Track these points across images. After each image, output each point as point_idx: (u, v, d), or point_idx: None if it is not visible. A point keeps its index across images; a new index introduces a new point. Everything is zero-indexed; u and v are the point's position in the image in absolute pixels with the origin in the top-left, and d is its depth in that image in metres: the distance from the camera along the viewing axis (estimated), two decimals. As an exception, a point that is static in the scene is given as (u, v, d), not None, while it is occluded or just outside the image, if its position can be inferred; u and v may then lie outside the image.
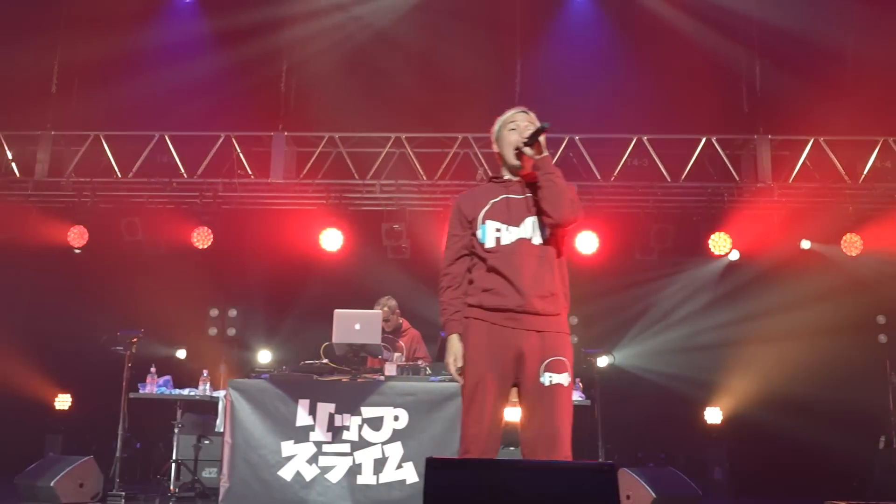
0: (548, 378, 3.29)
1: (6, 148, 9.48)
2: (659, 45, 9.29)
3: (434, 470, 2.34)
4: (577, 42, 9.64)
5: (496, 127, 3.67)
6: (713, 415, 9.00)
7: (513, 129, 3.56)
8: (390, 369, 6.11)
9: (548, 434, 3.25)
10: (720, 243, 8.91)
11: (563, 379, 3.32)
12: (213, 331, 9.30)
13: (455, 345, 3.46)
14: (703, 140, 9.13)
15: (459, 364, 3.42)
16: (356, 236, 9.40)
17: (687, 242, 9.15)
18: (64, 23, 9.51)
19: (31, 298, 9.35)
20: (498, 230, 3.44)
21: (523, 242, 3.41)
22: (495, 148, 3.68)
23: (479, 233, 3.46)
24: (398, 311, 7.23)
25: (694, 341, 8.96)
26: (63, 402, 8.98)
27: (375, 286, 9.41)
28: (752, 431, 8.59)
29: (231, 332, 9.31)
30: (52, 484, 5.88)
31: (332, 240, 9.20)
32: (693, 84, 8.89)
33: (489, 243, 3.43)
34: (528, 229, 3.43)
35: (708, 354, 8.94)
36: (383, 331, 6.77)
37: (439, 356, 6.32)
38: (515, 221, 3.45)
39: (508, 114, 3.65)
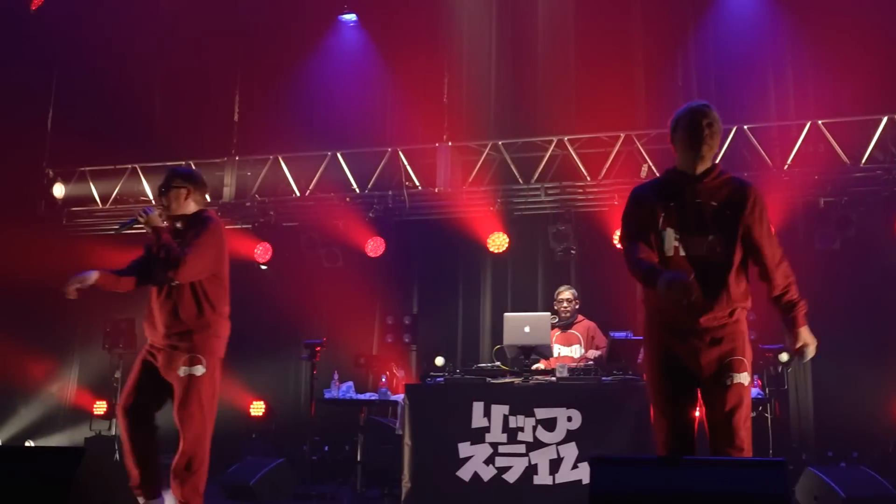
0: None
1: (196, 175, 10.26)
2: (825, 24, 8.82)
3: (599, 468, 2.39)
4: (737, 28, 9.32)
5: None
6: (911, 411, 8.41)
7: None
8: (561, 371, 6.17)
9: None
10: (911, 228, 8.34)
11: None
12: (389, 338, 9.65)
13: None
14: (885, 119, 8.58)
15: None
16: (522, 240, 9.51)
17: (871, 229, 8.62)
18: (242, 56, 10.23)
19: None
20: None
21: None
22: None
23: None
24: (578, 300, 7.26)
25: (887, 332, 8.42)
26: (258, 408, 9.60)
27: (545, 288, 9.52)
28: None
29: (406, 338, 9.63)
30: (251, 484, 6.35)
31: (498, 243, 9.35)
32: (868, 61, 8.37)
33: None
34: None
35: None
36: (560, 318, 6.85)
37: (609, 358, 6.31)
38: None
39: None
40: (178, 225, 4.38)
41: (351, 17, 10.18)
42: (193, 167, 10.22)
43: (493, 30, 10.08)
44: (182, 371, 4.26)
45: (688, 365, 3.39)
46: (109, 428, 10.03)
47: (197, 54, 10.17)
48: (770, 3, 9.44)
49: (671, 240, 3.37)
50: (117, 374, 10.20)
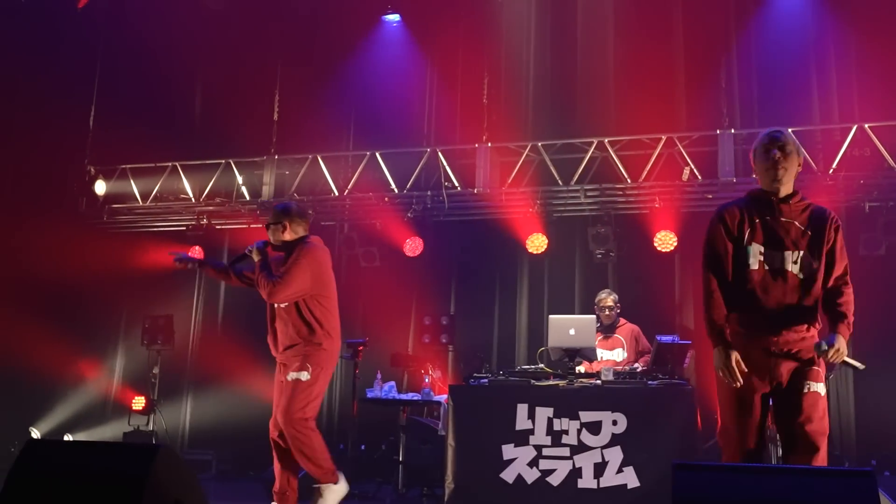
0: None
1: (237, 173, 10.33)
2: (871, 27, 8.72)
3: (682, 474, 2.36)
4: (781, 30, 9.23)
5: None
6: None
7: None
8: (607, 374, 6.13)
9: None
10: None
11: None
12: (426, 338, 9.65)
13: None
14: (934, 123, 8.45)
15: None
16: (561, 241, 9.48)
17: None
18: (282, 55, 10.28)
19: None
20: None
21: None
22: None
23: None
24: (619, 305, 7.23)
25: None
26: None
27: (583, 290, 9.48)
28: None
29: (443, 338, 9.62)
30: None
31: (537, 244, 9.33)
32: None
33: None
34: None
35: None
36: (601, 324, 6.83)
37: (655, 362, 6.27)
38: None
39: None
40: (283, 253, 5.03)
41: (394, 17, 10.21)
42: (234, 166, 10.35)
43: (532, 30, 10.06)
44: (290, 376, 4.84)
45: (764, 376, 3.56)
46: (148, 423, 10.10)
47: (238, 53, 10.25)
48: (815, 5, 9.33)
49: (756, 255, 3.63)
50: (155, 370, 10.29)
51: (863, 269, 8.52)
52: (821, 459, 3.38)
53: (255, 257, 4.98)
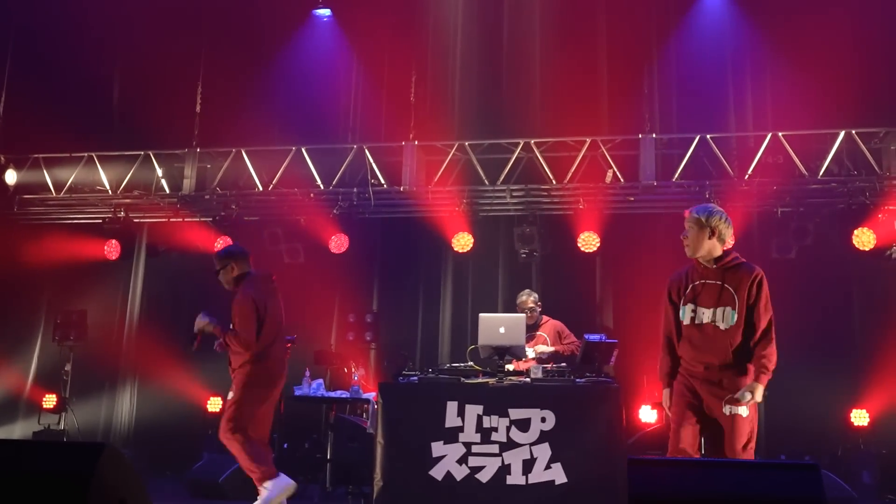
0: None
1: (156, 165, 10.06)
2: (789, 39, 9.07)
3: (636, 469, 2.42)
4: (702, 41, 9.53)
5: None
6: (860, 417, 8.70)
7: None
8: (536, 372, 6.21)
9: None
10: (864, 239, 8.62)
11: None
12: (350, 336, 9.60)
13: None
14: (843, 133, 8.84)
15: None
16: (485, 241, 9.56)
17: (825, 240, 8.90)
18: (207, 44, 10.05)
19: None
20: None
21: None
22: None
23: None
24: (539, 304, 7.34)
25: (839, 340, 8.71)
26: (215, 404, 9.43)
27: (506, 289, 9.59)
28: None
29: (367, 336, 9.59)
30: (220, 481, 6.25)
31: (462, 243, 9.39)
32: (828, 75, 8.62)
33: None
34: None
35: (852, 354, 8.70)
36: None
37: (583, 360, 6.38)
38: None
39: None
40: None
41: (325, 11, 10.09)
42: (153, 157, 10.04)
43: (459, 31, 10.10)
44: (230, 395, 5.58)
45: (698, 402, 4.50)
46: (59, 422, 9.76)
47: (160, 40, 9.94)
48: (733, 16, 9.65)
49: (688, 311, 4.52)
50: (67, 367, 9.96)
51: (774, 272, 8.88)
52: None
53: (210, 329, 5.50)
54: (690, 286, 4.55)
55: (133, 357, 10.27)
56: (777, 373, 8.10)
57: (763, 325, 4.40)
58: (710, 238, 4.48)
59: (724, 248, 4.57)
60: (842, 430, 8.72)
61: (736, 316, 4.38)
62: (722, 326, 4.41)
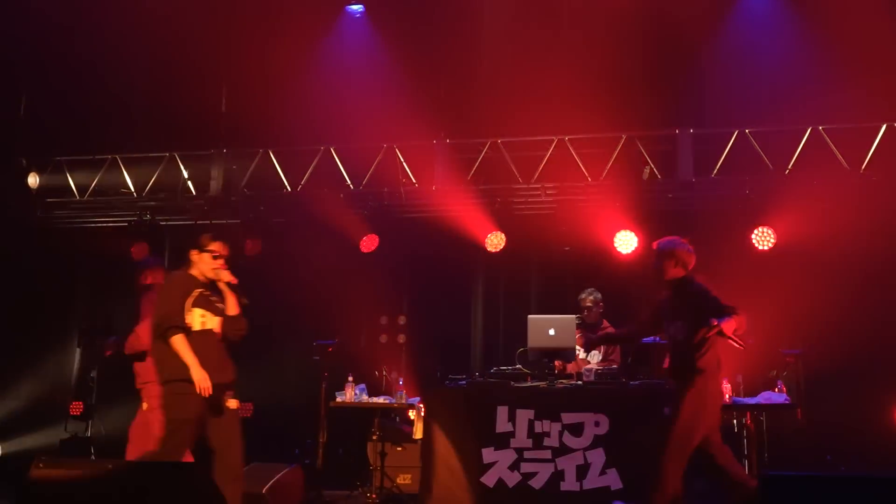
0: None
1: (182, 167, 9.88)
2: (831, 28, 8.87)
3: (772, 484, 2.25)
4: (748, 33, 9.34)
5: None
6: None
7: None
8: (588, 375, 6.03)
9: None
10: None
11: None
12: (382, 338, 9.43)
13: None
14: (884, 127, 8.63)
15: None
16: (522, 238, 9.36)
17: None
18: (234, 43, 9.85)
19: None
20: None
21: None
22: None
23: None
24: (601, 304, 7.05)
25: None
26: (244, 410, 9.23)
27: (546, 287, 9.40)
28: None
29: (400, 338, 9.42)
30: (263, 491, 6.06)
31: (495, 242, 9.19)
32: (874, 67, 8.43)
33: None
34: None
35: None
36: (584, 324, 6.67)
37: (635, 362, 6.21)
38: None
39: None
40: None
41: (358, 7, 9.88)
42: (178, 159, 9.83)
43: (491, 26, 9.89)
44: None
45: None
46: (86, 430, 9.59)
47: (184, 41, 9.71)
48: (775, 10, 9.46)
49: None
50: (93, 374, 9.81)
51: (818, 267, 8.68)
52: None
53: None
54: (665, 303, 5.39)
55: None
56: (830, 374, 7.90)
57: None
58: (672, 264, 5.25)
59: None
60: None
61: (689, 327, 5.10)
62: (679, 337, 5.24)
